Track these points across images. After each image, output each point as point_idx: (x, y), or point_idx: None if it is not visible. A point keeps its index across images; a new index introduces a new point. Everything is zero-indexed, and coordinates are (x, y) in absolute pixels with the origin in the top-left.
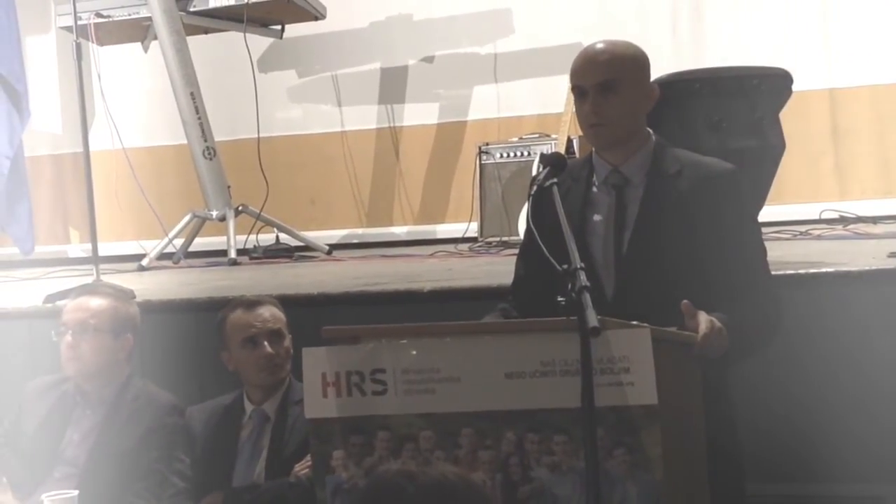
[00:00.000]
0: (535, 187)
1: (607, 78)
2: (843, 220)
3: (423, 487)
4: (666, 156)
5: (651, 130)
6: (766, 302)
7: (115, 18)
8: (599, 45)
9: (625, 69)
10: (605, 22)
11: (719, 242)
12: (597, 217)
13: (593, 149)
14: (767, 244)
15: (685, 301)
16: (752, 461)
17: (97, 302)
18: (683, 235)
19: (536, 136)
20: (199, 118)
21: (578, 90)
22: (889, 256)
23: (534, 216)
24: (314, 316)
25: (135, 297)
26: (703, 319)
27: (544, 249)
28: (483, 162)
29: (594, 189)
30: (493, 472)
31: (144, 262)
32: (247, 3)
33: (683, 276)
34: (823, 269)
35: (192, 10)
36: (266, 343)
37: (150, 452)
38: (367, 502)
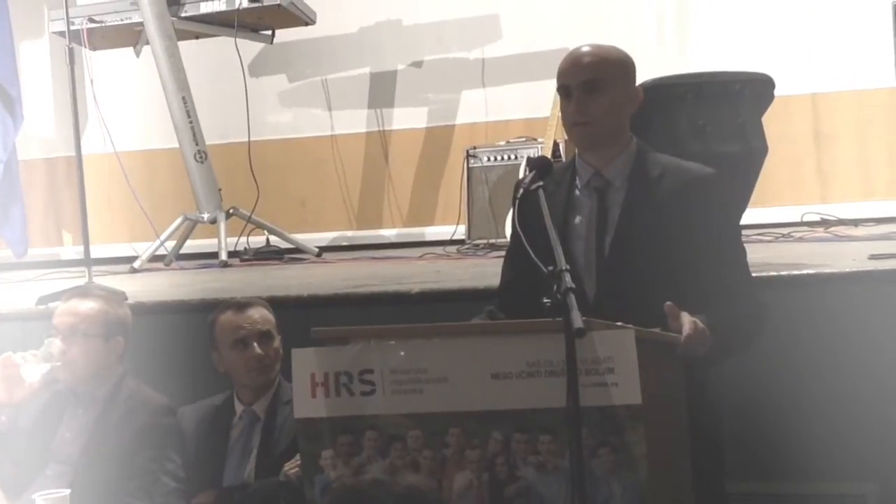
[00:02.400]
0: (521, 190)
1: (592, 77)
2: (825, 223)
3: (397, 497)
4: (648, 160)
5: (633, 135)
6: (746, 305)
7: (108, 24)
8: (586, 48)
9: (609, 70)
10: (591, 28)
11: (700, 246)
12: (578, 219)
13: (576, 152)
14: (750, 246)
15: (668, 303)
16: (735, 460)
17: (87, 305)
18: (664, 239)
19: (523, 139)
20: (191, 122)
21: (564, 89)
22: (870, 258)
23: (520, 219)
24: (303, 317)
25: (127, 298)
26: (687, 320)
27: (530, 252)
28: (471, 165)
29: (577, 192)
30: (480, 472)
31: (136, 264)
32: (238, 9)
33: (664, 279)
34: (805, 271)
35: (183, 15)
36: (255, 344)
37: (142, 452)
38: None
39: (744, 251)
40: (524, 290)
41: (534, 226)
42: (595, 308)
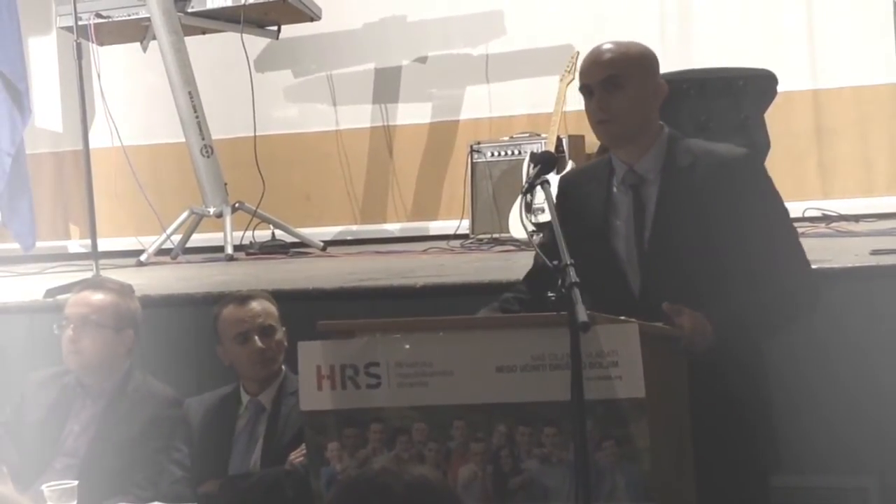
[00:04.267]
0: (526, 186)
1: (611, 73)
2: (826, 219)
3: (409, 487)
4: (678, 149)
5: (664, 124)
6: (800, 277)
7: (115, 19)
8: (606, 45)
9: (629, 65)
10: (594, 24)
11: (742, 227)
12: (618, 221)
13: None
14: None
15: (666, 303)
16: None
17: (99, 297)
18: (702, 226)
19: (527, 135)
20: (197, 117)
21: (586, 89)
22: (871, 254)
23: (558, 208)
24: (309, 310)
25: (133, 291)
26: (689, 316)
27: (536, 248)
28: (475, 160)
29: (614, 190)
30: (484, 464)
31: (143, 257)
32: (244, 5)
33: (708, 266)
34: None
35: (190, 10)
36: (257, 338)
37: (149, 443)
38: (352, 502)
39: (790, 229)
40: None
41: (574, 215)
42: (641, 303)
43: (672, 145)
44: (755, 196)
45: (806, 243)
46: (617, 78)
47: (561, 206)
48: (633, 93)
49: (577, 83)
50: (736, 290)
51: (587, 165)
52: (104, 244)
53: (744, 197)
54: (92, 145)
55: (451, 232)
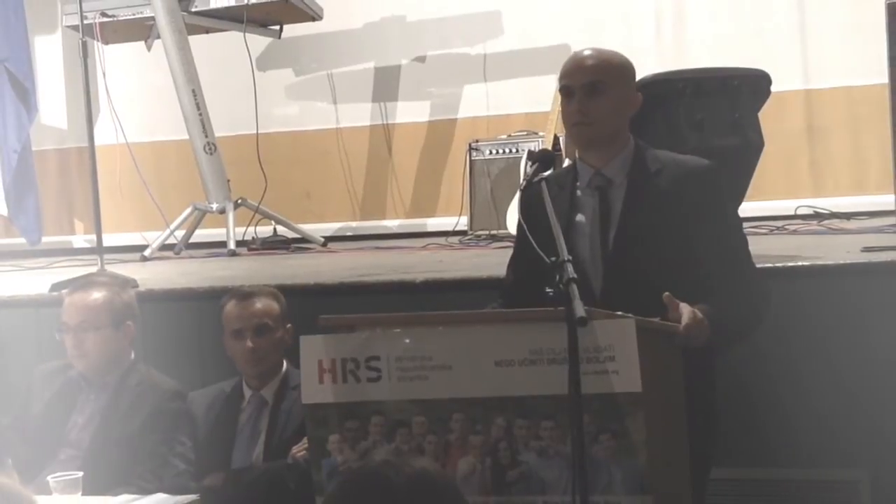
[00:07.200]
0: (524, 183)
1: (594, 79)
2: (818, 216)
3: (409, 478)
4: (646, 157)
5: (631, 135)
6: (748, 292)
7: (120, 18)
8: (588, 51)
9: (611, 73)
10: (590, 25)
11: (700, 237)
12: (581, 218)
13: (577, 155)
14: None
15: (666, 293)
16: (730, 447)
17: (93, 297)
18: (666, 231)
19: (524, 133)
20: (200, 114)
21: (566, 90)
22: (863, 251)
23: (523, 214)
24: (310, 305)
25: (137, 286)
26: (686, 310)
27: (533, 243)
28: (473, 158)
29: (578, 193)
30: (482, 457)
31: (147, 252)
32: (247, 4)
33: (668, 271)
34: (800, 263)
35: (193, 10)
36: (249, 337)
37: (152, 436)
38: (353, 494)
39: (744, 240)
40: (525, 292)
41: (537, 220)
42: (601, 303)
43: (640, 153)
44: (714, 208)
45: (798, 240)
46: (599, 84)
47: (528, 213)
48: (612, 100)
49: None
50: (694, 299)
51: (550, 175)
52: (108, 239)
53: (704, 207)
54: (97, 142)
55: (450, 228)
